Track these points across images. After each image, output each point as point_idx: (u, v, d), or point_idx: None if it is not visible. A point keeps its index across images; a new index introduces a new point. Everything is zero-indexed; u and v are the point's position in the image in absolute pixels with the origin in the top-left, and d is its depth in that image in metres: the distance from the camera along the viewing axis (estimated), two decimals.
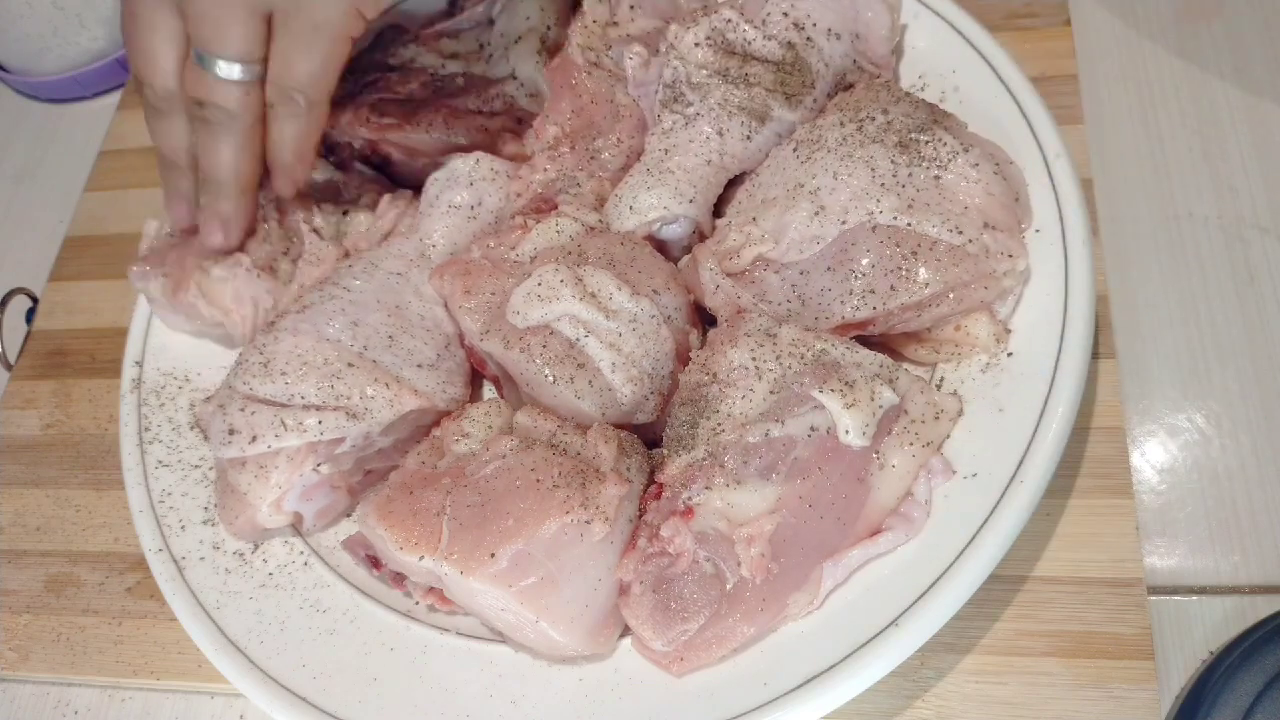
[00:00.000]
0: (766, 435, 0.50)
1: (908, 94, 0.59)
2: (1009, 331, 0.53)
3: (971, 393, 0.52)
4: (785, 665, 0.47)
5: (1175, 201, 0.66)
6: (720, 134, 0.61)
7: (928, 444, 0.50)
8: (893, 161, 0.55)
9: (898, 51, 0.66)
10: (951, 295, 0.52)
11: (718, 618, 0.48)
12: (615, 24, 0.67)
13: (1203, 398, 0.60)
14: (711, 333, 0.56)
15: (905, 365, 0.55)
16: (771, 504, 0.49)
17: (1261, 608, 0.53)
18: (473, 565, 0.48)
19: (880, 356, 0.53)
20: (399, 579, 0.54)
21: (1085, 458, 0.56)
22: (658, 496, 0.52)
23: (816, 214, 0.55)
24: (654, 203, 0.60)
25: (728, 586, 0.48)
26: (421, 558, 0.49)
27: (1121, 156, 0.69)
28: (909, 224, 0.53)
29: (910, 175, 0.54)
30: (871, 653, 0.46)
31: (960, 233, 0.52)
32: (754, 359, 0.53)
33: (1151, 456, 0.59)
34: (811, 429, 0.50)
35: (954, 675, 0.52)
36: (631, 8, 0.67)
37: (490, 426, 0.56)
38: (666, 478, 0.52)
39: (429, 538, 0.49)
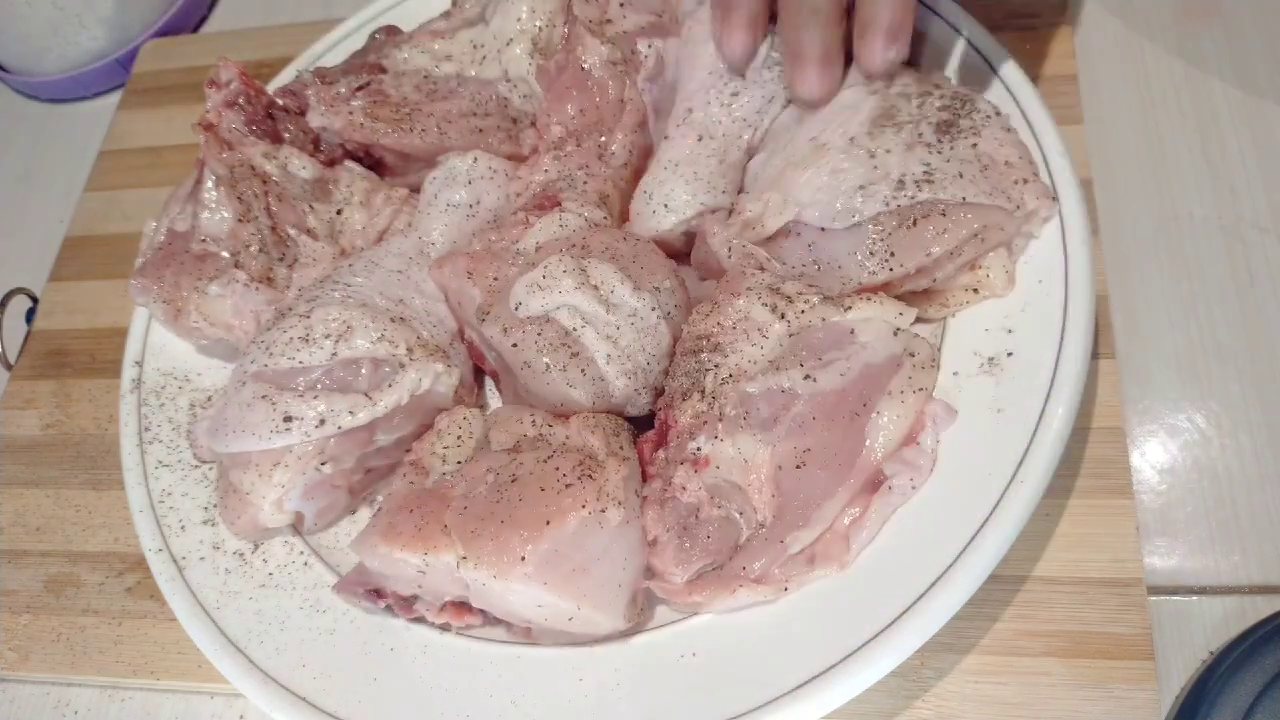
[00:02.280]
0: (771, 386, 0.51)
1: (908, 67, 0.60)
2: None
3: (971, 393, 0.52)
4: (785, 665, 0.47)
5: (1175, 201, 0.66)
6: (760, 108, 0.61)
7: (920, 389, 0.51)
8: (938, 129, 0.56)
9: None
10: (976, 237, 0.53)
11: (730, 556, 0.50)
12: (609, 21, 0.67)
13: (1203, 398, 0.60)
14: (714, 288, 0.57)
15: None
16: (774, 452, 0.50)
17: (1261, 608, 0.53)
18: (504, 569, 0.48)
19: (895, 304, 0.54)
20: (407, 604, 0.53)
21: (1085, 458, 0.56)
22: (662, 445, 0.53)
23: (861, 188, 0.55)
24: (690, 200, 0.60)
25: (743, 530, 0.50)
26: (448, 559, 0.49)
27: (1121, 156, 0.69)
28: (955, 196, 0.53)
29: (953, 148, 0.55)
30: (871, 653, 0.46)
31: (1004, 195, 0.54)
32: (761, 310, 0.54)
33: (1151, 456, 0.59)
34: (812, 380, 0.51)
35: (954, 675, 0.52)
36: (621, 4, 0.67)
37: (471, 434, 0.56)
38: (675, 427, 0.52)
39: (447, 543, 0.49)
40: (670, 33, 0.66)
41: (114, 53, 0.95)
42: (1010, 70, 0.60)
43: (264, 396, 0.56)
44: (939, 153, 0.55)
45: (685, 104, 0.63)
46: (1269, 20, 0.72)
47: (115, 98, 0.94)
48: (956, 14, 0.64)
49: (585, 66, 0.65)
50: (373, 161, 0.71)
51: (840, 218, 0.55)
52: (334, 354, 0.57)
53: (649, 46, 0.65)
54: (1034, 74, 0.61)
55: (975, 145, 0.55)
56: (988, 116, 0.56)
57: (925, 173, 0.54)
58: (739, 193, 0.62)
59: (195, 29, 1.01)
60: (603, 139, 0.64)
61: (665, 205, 0.60)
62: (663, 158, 0.62)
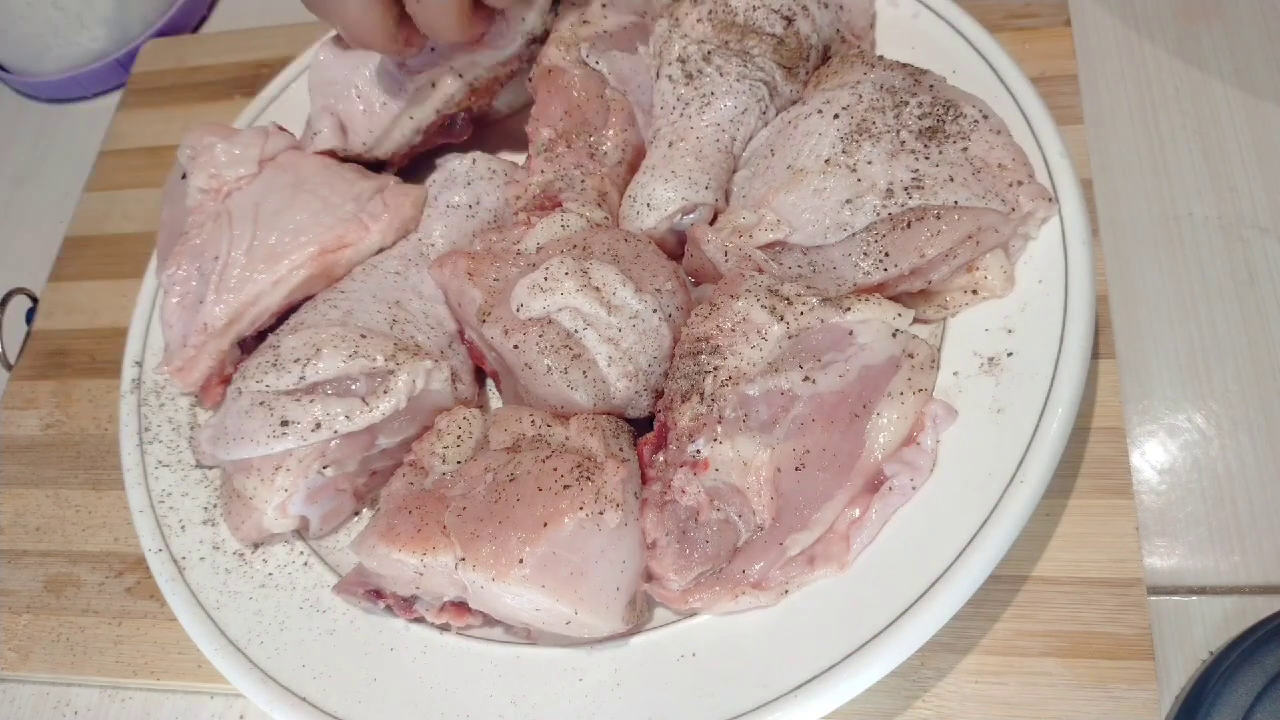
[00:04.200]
0: (770, 388, 0.51)
1: (896, 62, 0.60)
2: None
3: (971, 393, 0.52)
4: (785, 666, 0.47)
5: (1175, 201, 0.66)
6: (733, 117, 0.61)
7: (920, 390, 0.51)
8: (921, 136, 0.56)
9: (874, 25, 0.67)
10: (971, 239, 0.53)
11: (729, 559, 0.50)
12: (586, 22, 0.67)
13: (1203, 398, 0.60)
14: (712, 290, 0.57)
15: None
16: (774, 454, 0.50)
17: (1261, 608, 0.53)
18: (502, 571, 0.48)
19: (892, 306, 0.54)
20: (406, 605, 0.53)
21: (1085, 458, 0.56)
22: (662, 447, 0.53)
23: (848, 202, 0.55)
24: (671, 196, 0.60)
25: (742, 533, 0.50)
26: (446, 560, 0.49)
27: (1121, 156, 0.69)
28: (948, 200, 0.53)
29: (942, 152, 0.55)
30: (871, 653, 0.46)
31: (998, 197, 0.54)
32: (759, 312, 0.54)
33: (1151, 456, 0.59)
34: (811, 381, 0.51)
35: (954, 675, 0.52)
36: (604, 5, 0.67)
37: (470, 434, 0.56)
38: (675, 429, 0.52)
39: (445, 544, 0.49)
40: (651, 33, 0.66)
41: (114, 53, 0.95)
42: (1010, 70, 0.60)
43: (262, 403, 0.56)
44: (926, 158, 0.55)
45: (653, 125, 0.64)
46: (1269, 20, 0.72)
47: (115, 98, 0.94)
48: (955, 14, 0.64)
49: (561, 69, 0.65)
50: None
51: (832, 233, 0.55)
52: (301, 377, 0.56)
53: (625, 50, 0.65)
54: (1034, 74, 0.61)
55: (965, 149, 0.55)
56: (975, 121, 0.56)
57: (914, 179, 0.54)
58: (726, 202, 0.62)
59: (195, 29, 1.01)
60: (592, 139, 0.64)
61: (648, 205, 0.60)
62: (642, 166, 0.63)
